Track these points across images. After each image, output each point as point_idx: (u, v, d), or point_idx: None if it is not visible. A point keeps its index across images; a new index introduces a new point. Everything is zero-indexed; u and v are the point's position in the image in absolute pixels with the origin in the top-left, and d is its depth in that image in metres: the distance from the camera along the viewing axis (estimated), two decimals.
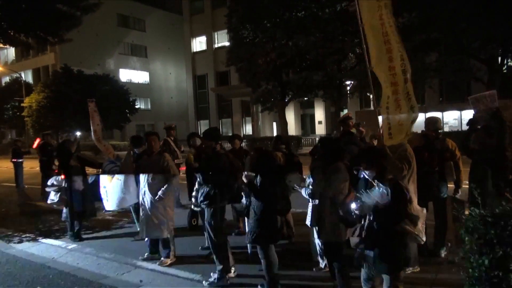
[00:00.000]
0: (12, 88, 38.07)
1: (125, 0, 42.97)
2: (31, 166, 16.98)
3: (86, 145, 27.86)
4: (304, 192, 4.45)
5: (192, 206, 5.81)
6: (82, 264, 5.66)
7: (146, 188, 5.26)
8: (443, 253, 5.01)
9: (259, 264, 4.38)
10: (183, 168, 7.21)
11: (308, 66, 22.52)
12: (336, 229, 3.87)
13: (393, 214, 3.20)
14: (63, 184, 6.48)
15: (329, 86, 22.84)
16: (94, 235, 7.03)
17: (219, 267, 4.64)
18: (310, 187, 4.34)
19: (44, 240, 6.83)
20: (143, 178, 5.35)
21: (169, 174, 5.20)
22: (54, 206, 6.89)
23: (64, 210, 6.61)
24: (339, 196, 3.80)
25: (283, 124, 25.19)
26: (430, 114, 17.36)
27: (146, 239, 5.59)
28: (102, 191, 6.16)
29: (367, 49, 4.01)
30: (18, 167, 12.95)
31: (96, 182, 6.46)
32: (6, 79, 42.62)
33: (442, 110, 24.88)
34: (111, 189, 5.98)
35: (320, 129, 34.52)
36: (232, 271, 4.75)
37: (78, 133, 27.91)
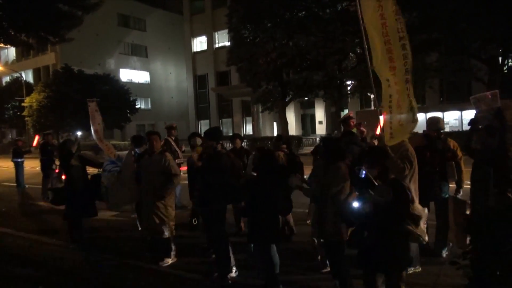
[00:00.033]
0: (12, 88, 38.09)
1: (126, 0, 42.95)
2: (32, 165, 16.99)
3: (86, 145, 27.87)
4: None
5: (193, 206, 5.81)
6: (83, 264, 5.66)
7: (148, 188, 5.25)
8: (444, 253, 5.01)
9: (260, 264, 4.38)
10: (184, 168, 7.21)
11: (308, 66, 22.51)
12: (337, 228, 3.87)
13: (395, 214, 3.20)
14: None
15: (330, 86, 22.82)
16: (95, 234, 7.02)
17: (221, 267, 4.64)
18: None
19: (44, 240, 6.83)
20: (144, 177, 5.35)
21: (171, 173, 5.20)
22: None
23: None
24: (340, 196, 3.80)
25: (283, 124, 25.18)
26: (430, 114, 17.35)
27: (148, 238, 5.59)
28: (103, 190, 6.16)
29: (369, 48, 4.00)
30: (18, 166, 12.95)
31: (97, 182, 6.47)
32: (7, 78, 42.62)
33: (443, 110, 24.85)
34: (112, 189, 5.98)
35: (321, 129, 34.51)
36: (233, 270, 4.74)
37: (79, 133, 27.92)
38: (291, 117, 32.59)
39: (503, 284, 2.48)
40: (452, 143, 5.03)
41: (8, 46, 33.56)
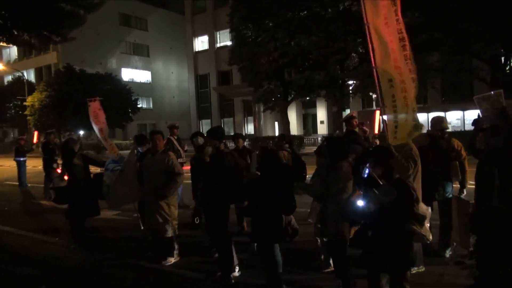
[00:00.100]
0: (14, 87, 38.18)
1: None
2: (34, 164, 17.01)
3: (88, 144, 27.95)
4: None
5: (196, 205, 5.80)
6: (84, 263, 5.66)
7: (150, 187, 5.25)
8: (448, 253, 4.99)
9: (263, 264, 4.37)
10: (186, 168, 7.20)
11: (310, 65, 22.49)
12: (340, 227, 3.86)
13: (399, 213, 3.19)
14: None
15: (331, 86, 22.80)
16: (97, 234, 7.02)
17: (224, 266, 4.63)
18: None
19: (46, 239, 6.84)
20: (147, 176, 5.34)
21: (174, 172, 5.19)
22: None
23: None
24: (343, 195, 3.79)
25: (285, 124, 25.17)
26: (432, 114, 17.33)
27: (149, 237, 5.59)
28: (105, 189, 6.16)
29: (372, 48, 3.99)
30: (21, 165, 12.97)
31: (99, 181, 6.46)
32: (9, 78, 42.71)
33: (445, 110, 24.79)
34: (114, 188, 5.98)
35: (322, 129, 34.47)
36: (236, 270, 4.74)
37: (81, 132, 27.96)
38: (292, 116, 32.56)
39: (508, 284, 2.47)
40: (456, 142, 5.01)
41: (10, 45, 33.64)
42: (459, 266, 2.72)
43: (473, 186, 5.03)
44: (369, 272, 3.44)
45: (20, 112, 35.38)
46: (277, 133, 33.37)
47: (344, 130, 6.66)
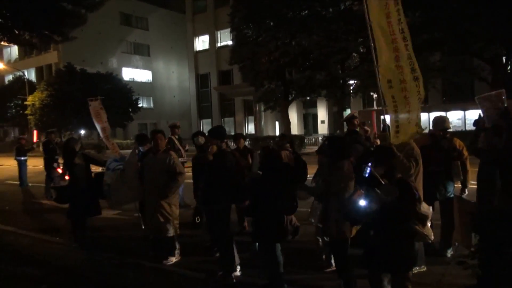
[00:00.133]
0: (15, 87, 38.19)
1: None
2: (35, 164, 17.02)
3: (88, 144, 27.98)
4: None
5: (197, 204, 5.80)
6: (85, 263, 5.66)
7: (152, 186, 5.24)
8: (449, 253, 4.99)
9: (264, 263, 4.37)
10: (187, 167, 7.20)
11: (311, 65, 22.49)
12: (341, 227, 3.86)
13: (401, 213, 3.18)
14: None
15: (332, 85, 22.80)
16: (98, 233, 7.01)
17: (225, 265, 4.63)
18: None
19: (47, 238, 6.83)
20: (148, 176, 5.34)
21: (175, 172, 5.19)
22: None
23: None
24: (344, 194, 3.79)
25: (286, 124, 25.17)
26: (433, 114, 17.28)
27: (151, 237, 5.58)
28: (105, 188, 6.14)
29: (375, 47, 3.99)
30: (22, 165, 12.97)
31: (100, 180, 6.45)
32: (9, 77, 42.73)
33: (446, 110, 24.75)
34: (115, 187, 5.97)
35: (323, 129, 34.46)
36: (238, 269, 4.73)
37: (82, 132, 27.97)
38: (293, 116, 32.56)
39: (511, 284, 2.47)
40: (458, 142, 5.01)
41: (11, 45, 33.63)
42: (461, 266, 2.71)
43: (475, 186, 5.02)
44: (371, 272, 3.44)
45: (21, 112, 35.40)
46: (277, 133, 33.38)
47: (346, 130, 6.65)
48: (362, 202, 3.29)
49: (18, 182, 13.05)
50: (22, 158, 12.94)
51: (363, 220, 3.46)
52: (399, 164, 3.84)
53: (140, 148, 6.19)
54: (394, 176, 3.31)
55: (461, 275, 4.17)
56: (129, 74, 45.18)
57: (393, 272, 3.31)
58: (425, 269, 4.49)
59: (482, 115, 5.14)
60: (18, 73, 38.49)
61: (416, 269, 4.37)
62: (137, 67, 46.61)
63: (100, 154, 21.07)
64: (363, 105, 31.09)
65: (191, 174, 6.00)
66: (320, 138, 26.00)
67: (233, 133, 22.36)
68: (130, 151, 6.28)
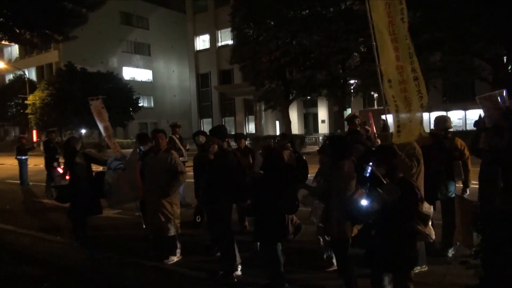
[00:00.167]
0: (15, 86, 38.21)
1: None
2: (35, 163, 17.02)
3: (89, 143, 27.98)
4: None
5: (198, 204, 5.79)
6: (86, 262, 5.66)
7: (153, 186, 5.24)
8: (450, 253, 4.99)
9: (265, 262, 4.37)
10: (188, 166, 7.20)
11: (312, 65, 22.49)
12: (343, 226, 3.86)
13: (403, 212, 3.18)
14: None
15: (333, 85, 22.79)
16: (99, 233, 7.01)
17: (226, 265, 4.63)
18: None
19: (47, 237, 6.83)
20: (149, 175, 5.33)
21: (177, 171, 5.18)
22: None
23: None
24: (346, 193, 3.78)
25: (286, 123, 25.17)
26: (434, 114, 17.26)
27: (151, 236, 5.58)
28: (106, 187, 6.15)
29: (376, 46, 3.98)
30: (22, 164, 12.98)
31: (101, 179, 6.45)
32: (10, 76, 42.74)
33: (446, 109, 24.71)
34: (116, 186, 5.97)
35: (323, 128, 34.45)
36: (239, 269, 4.73)
37: (83, 131, 27.98)
38: (293, 115, 32.57)
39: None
40: (459, 142, 5.00)
41: (12, 44, 33.65)
42: (464, 265, 2.70)
43: (477, 186, 5.02)
44: (373, 272, 3.44)
45: (22, 111, 35.39)
46: (278, 132, 33.39)
47: (346, 129, 6.64)
48: (364, 202, 3.29)
49: (18, 181, 13.06)
50: (23, 157, 12.95)
51: (365, 220, 3.46)
52: (400, 163, 3.84)
53: (141, 147, 6.19)
54: (396, 176, 3.31)
55: (462, 275, 4.17)
56: (129, 73, 45.18)
57: (395, 271, 3.30)
58: (426, 268, 4.49)
59: (483, 115, 5.13)
60: (19, 72, 38.48)
61: (417, 269, 4.36)
62: (137, 67, 46.62)
63: (101, 153, 21.08)
64: (363, 105, 31.08)
65: (192, 173, 6.00)
66: (320, 138, 26.00)
67: (233, 133, 22.35)
68: (131, 150, 6.27)
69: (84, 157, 6.54)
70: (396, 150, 3.86)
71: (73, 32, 14.31)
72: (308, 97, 28.47)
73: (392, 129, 4.40)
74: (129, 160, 5.92)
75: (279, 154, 4.49)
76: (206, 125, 38.31)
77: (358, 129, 6.26)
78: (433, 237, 3.67)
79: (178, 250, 5.39)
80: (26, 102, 32.88)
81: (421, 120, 3.94)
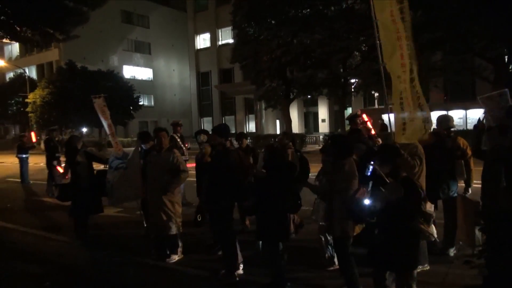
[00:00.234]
0: (16, 84, 38.20)
1: None
2: (36, 161, 17.02)
3: (89, 141, 27.97)
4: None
5: (200, 203, 5.79)
6: (87, 261, 5.66)
7: (154, 184, 5.23)
8: (452, 252, 4.98)
9: (267, 261, 4.36)
10: (190, 165, 7.19)
11: (313, 64, 22.45)
12: (345, 225, 3.86)
13: (406, 212, 3.18)
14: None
15: (334, 84, 22.77)
16: (100, 231, 7.01)
17: (228, 264, 4.62)
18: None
19: (49, 236, 6.83)
20: (151, 174, 5.33)
21: (179, 170, 5.17)
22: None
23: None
24: (348, 192, 3.78)
25: (287, 122, 25.16)
26: (434, 113, 17.22)
27: (153, 235, 5.57)
28: (108, 186, 6.14)
29: (380, 45, 3.98)
30: (23, 162, 12.98)
31: (103, 178, 6.44)
32: (10, 74, 42.73)
33: (447, 109, 24.71)
34: (117, 185, 5.96)
35: (324, 127, 34.46)
36: (241, 268, 4.72)
37: (84, 129, 27.95)
38: (294, 114, 32.58)
39: None
40: (461, 141, 4.99)
41: (12, 42, 33.65)
42: (466, 265, 2.70)
43: (479, 186, 5.01)
44: (375, 271, 3.43)
45: (22, 109, 35.41)
46: (278, 131, 33.39)
47: (348, 128, 6.63)
48: (367, 201, 3.29)
49: (19, 180, 13.06)
50: (24, 156, 12.95)
51: (368, 219, 3.45)
52: (403, 162, 3.84)
53: (142, 146, 6.18)
54: (399, 175, 3.30)
55: (464, 274, 4.19)
56: (130, 72, 45.18)
57: (398, 271, 3.30)
58: (428, 268, 4.48)
59: (481, 117, 5.08)
60: (19, 71, 38.46)
61: (419, 268, 4.35)
62: (138, 65, 46.61)
63: (101, 152, 21.07)
64: (364, 104, 31.09)
65: (193, 172, 6.00)
66: (321, 137, 25.99)
67: (234, 132, 22.35)
68: (131, 148, 6.26)
69: (86, 156, 6.54)
70: (399, 149, 3.85)
71: (74, 31, 14.30)
72: (309, 96, 28.45)
73: (392, 128, 4.40)
74: (131, 159, 5.90)
75: (281, 153, 4.48)
76: (207, 124, 38.32)
77: (360, 128, 6.25)
78: (435, 235, 3.67)
79: (180, 249, 5.38)
80: (26, 100, 32.89)
81: (425, 119, 3.93)
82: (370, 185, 3.44)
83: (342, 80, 22.74)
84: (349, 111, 26.31)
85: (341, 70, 22.80)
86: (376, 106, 29.74)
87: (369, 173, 3.37)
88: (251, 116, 36.35)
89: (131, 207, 7.34)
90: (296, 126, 32.45)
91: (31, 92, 32.52)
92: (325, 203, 4.24)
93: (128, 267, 5.22)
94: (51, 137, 11.35)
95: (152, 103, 47.24)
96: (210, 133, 5.54)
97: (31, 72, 43.00)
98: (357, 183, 3.84)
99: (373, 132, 6.35)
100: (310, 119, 37.90)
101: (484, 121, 4.77)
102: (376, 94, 28.27)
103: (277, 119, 35.35)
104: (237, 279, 4.57)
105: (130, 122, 36.00)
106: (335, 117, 33.04)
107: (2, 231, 7.30)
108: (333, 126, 33.65)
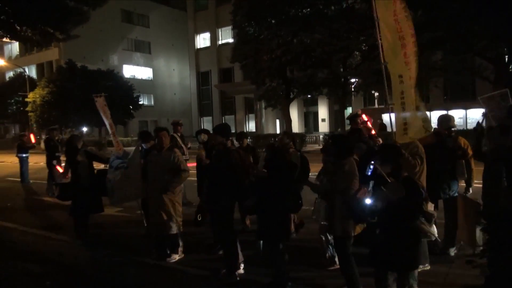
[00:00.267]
0: (16, 83, 38.20)
1: None
2: (36, 161, 17.01)
3: (89, 141, 27.98)
4: None
5: (200, 202, 5.78)
6: (88, 260, 5.65)
7: (155, 184, 5.23)
8: (452, 252, 4.98)
9: (268, 261, 4.36)
10: (190, 164, 7.19)
11: (313, 63, 22.44)
12: (345, 225, 3.86)
13: (408, 211, 3.17)
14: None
15: (334, 84, 22.77)
16: (101, 231, 7.00)
17: (229, 263, 4.62)
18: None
19: (49, 235, 6.82)
20: (151, 173, 5.32)
21: (180, 169, 5.17)
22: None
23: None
24: (349, 192, 3.78)
25: (287, 122, 25.16)
26: (435, 113, 17.23)
27: (153, 234, 5.57)
28: (108, 186, 6.14)
29: (381, 44, 3.98)
30: (23, 162, 12.97)
31: (103, 177, 6.43)
32: (10, 74, 42.72)
33: (447, 108, 24.75)
34: (118, 185, 5.95)
35: (324, 127, 34.48)
36: (241, 267, 4.72)
37: (84, 129, 27.95)
38: (294, 114, 32.59)
39: None
40: (462, 141, 4.99)
41: (12, 41, 33.64)
42: (468, 265, 2.70)
43: (479, 185, 5.01)
44: (377, 271, 3.43)
45: (22, 108, 35.40)
46: (278, 131, 33.40)
47: (348, 128, 6.62)
48: (368, 201, 3.29)
49: (19, 179, 13.05)
50: (24, 155, 12.94)
51: (368, 219, 3.45)
52: (404, 162, 3.84)
53: (143, 145, 6.17)
54: (401, 175, 3.30)
55: (465, 274, 4.19)
56: (130, 71, 45.19)
57: (399, 270, 3.30)
58: (429, 267, 4.48)
59: (482, 118, 5.08)
60: (19, 70, 38.45)
61: (420, 268, 4.36)
62: (138, 65, 46.61)
63: (101, 151, 21.07)
64: (364, 104, 31.11)
65: (194, 172, 5.99)
66: (320, 137, 26.01)
67: (233, 131, 22.32)
68: (132, 148, 6.25)
69: (86, 155, 6.53)
70: (401, 149, 3.86)
71: (74, 31, 14.30)
72: (309, 96, 28.46)
73: (391, 128, 4.40)
74: (132, 158, 5.90)
75: (283, 153, 4.47)
76: (207, 124, 38.33)
77: (360, 127, 6.24)
78: (436, 235, 3.67)
79: (180, 248, 5.38)
80: (26, 99, 32.89)
81: (424, 118, 3.94)
82: (371, 184, 3.44)
83: (342, 79, 22.73)
84: (349, 110, 26.32)
85: (341, 69, 22.79)
86: (376, 105, 29.74)
87: (369, 173, 3.37)
88: (251, 116, 36.36)
89: (132, 206, 7.34)
90: (296, 126, 32.46)
91: (31, 92, 32.52)
92: (327, 202, 4.24)
93: (129, 267, 5.22)
94: (51, 137, 11.34)
95: (152, 103, 47.25)
96: (211, 132, 5.53)
97: (31, 71, 42.99)
98: (357, 182, 3.84)
99: (373, 132, 6.34)
100: (310, 119, 37.92)
101: (483, 123, 4.77)
102: (376, 94, 28.28)
103: (277, 118, 35.36)
104: (238, 278, 4.56)
105: (130, 122, 36.03)
106: (335, 116, 33.06)
107: (2, 231, 7.30)
108: (333, 126, 33.67)
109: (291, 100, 25.88)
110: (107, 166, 6.40)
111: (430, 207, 3.77)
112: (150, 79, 47.75)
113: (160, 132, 5.32)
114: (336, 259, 4.59)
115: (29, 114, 32.46)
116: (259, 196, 4.24)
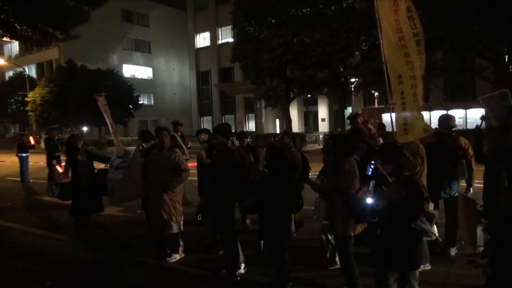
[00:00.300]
0: (15, 83, 38.20)
1: None
2: (36, 160, 17.01)
3: (89, 140, 27.98)
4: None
5: (201, 202, 5.77)
6: (88, 260, 5.65)
7: (156, 183, 5.22)
8: (453, 252, 4.97)
9: (269, 261, 4.36)
10: (191, 164, 7.18)
11: (313, 63, 22.44)
12: (346, 224, 3.85)
13: (409, 211, 3.17)
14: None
15: (334, 83, 22.77)
16: (101, 230, 7.00)
17: (229, 263, 4.62)
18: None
19: (49, 235, 6.82)
20: (152, 173, 5.32)
21: (180, 169, 5.17)
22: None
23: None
24: (350, 191, 3.78)
25: (287, 121, 25.16)
26: (435, 113, 17.23)
27: (154, 234, 5.57)
28: (109, 185, 6.13)
29: (382, 44, 3.98)
30: (23, 161, 12.97)
31: (103, 177, 6.42)
32: (10, 73, 42.71)
33: (447, 108, 24.74)
34: (119, 184, 5.94)
35: (323, 127, 34.48)
36: (242, 267, 4.72)
37: (84, 128, 27.98)
38: (294, 114, 32.59)
39: None
40: (463, 141, 4.99)
41: (12, 41, 33.63)
42: (469, 265, 2.70)
43: (480, 185, 5.01)
44: (378, 271, 3.43)
45: (22, 108, 35.39)
46: (278, 131, 33.40)
47: (348, 128, 6.63)
48: (369, 200, 3.28)
49: (19, 179, 13.05)
50: (24, 155, 12.94)
51: (369, 218, 3.45)
52: (405, 162, 3.84)
53: (143, 144, 6.17)
54: (402, 174, 3.29)
55: (465, 274, 4.20)
56: (129, 71, 45.19)
57: (400, 270, 3.30)
58: (429, 267, 4.48)
59: (481, 121, 5.07)
60: (19, 69, 38.43)
61: (420, 268, 4.36)
62: (138, 64, 46.62)
63: (101, 151, 21.06)
64: (364, 103, 31.12)
65: (195, 171, 5.98)
66: (320, 136, 26.01)
67: (233, 131, 22.28)
68: (131, 147, 6.24)
69: (86, 155, 6.52)
70: (402, 149, 3.85)
71: (74, 30, 14.30)
72: (309, 95, 28.46)
73: (392, 128, 4.39)
74: (133, 158, 5.89)
75: (283, 153, 4.47)
76: (206, 123, 38.34)
77: (361, 127, 6.24)
78: (436, 234, 3.67)
79: (181, 248, 5.38)
80: (26, 99, 32.86)
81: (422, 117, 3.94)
82: (372, 184, 3.44)
83: (342, 79, 22.73)
84: (349, 110, 26.33)
85: (341, 69, 22.80)
86: (376, 105, 29.76)
87: (369, 173, 3.36)
88: (251, 115, 36.36)
89: (132, 206, 7.33)
90: (296, 125, 32.47)
91: (31, 91, 32.50)
92: (327, 202, 4.24)
93: (129, 267, 5.22)
94: (51, 136, 11.34)
95: (152, 102, 47.25)
96: (212, 132, 5.53)
97: (31, 71, 42.98)
98: (358, 182, 3.83)
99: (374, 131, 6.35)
100: (310, 118, 37.92)
101: (483, 125, 4.77)
102: (376, 94, 28.29)
103: (277, 118, 35.37)
104: (238, 278, 4.56)
105: (130, 121, 36.01)
106: (335, 116, 33.07)
107: (2, 230, 7.30)
108: (333, 126, 33.68)
109: (291, 100, 25.89)
110: (107, 165, 6.40)
111: (431, 207, 3.78)
112: (150, 78, 47.75)
113: (160, 132, 5.32)
114: (337, 259, 4.59)
115: (29, 113, 32.45)
116: (259, 195, 4.24)
